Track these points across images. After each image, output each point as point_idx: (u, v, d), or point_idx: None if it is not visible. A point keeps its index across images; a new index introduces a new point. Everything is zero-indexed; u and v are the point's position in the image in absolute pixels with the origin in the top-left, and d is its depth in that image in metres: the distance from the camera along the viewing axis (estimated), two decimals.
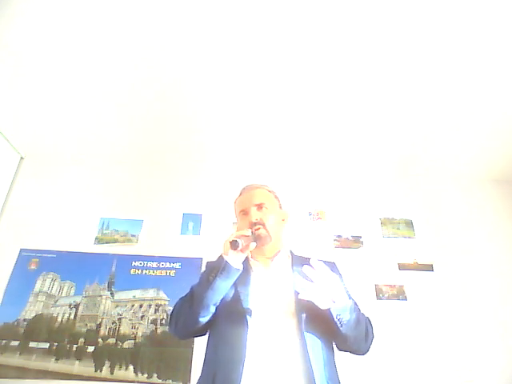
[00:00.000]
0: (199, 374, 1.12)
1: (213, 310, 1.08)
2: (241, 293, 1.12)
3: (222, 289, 1.05)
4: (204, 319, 1.09)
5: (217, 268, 1.05)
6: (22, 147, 2.63)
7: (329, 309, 0.98)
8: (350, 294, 1.24)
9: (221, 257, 1.07)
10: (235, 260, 1.05)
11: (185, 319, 1.11)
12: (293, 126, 2.39)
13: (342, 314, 1.00)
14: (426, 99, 2.12)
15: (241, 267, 1.07)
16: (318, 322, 1.02)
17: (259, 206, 1.25)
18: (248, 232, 1.07)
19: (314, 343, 1.01)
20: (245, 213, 1.26)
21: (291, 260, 1.26)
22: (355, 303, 1.09)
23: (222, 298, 1.08)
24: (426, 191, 2.79)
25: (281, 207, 1.36)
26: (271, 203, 1.29)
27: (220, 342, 1.09)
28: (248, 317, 1.06)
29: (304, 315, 1.03)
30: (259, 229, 1.19)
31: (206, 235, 2.48)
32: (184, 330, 1.15)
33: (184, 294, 1.15)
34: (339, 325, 1.00)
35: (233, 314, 1.08)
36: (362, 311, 1.13)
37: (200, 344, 1.92)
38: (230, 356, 1.01)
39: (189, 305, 1.09)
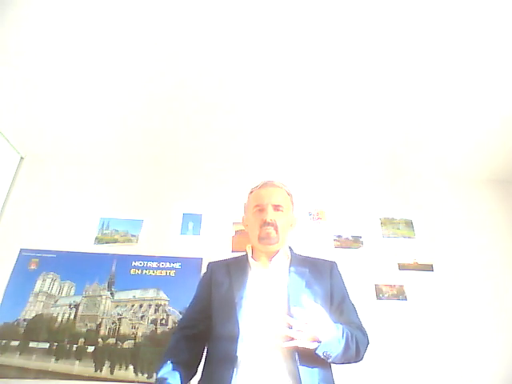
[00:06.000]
0: (198, 377, 1.13)
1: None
2: (236, 295, 1.12)
3: None
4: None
5: None
6: (22, 147, 2.63)
7: (315, 349, 0.99)
8: (348, 294, 1.25)
9: None
10: None
11: None
12: (293, 127, 2.39)
13: (329, 349, 1.00)
14: (427, 100, 2.11)
15: None
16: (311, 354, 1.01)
17: (276, 207, 1.25)
18: None
19: (310, 374, 1.01)
20: (260, 209, 1.26)
21: (290, 259, 1.26)
22: (344, 328, 1.07)
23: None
24: (427, 191, 2.78)
25: (293, 212, 1.37)
26: (287, 207, 1.30)
27: (214, 355, 1.10)
28: (240, 325, 1.06)
29: (297, 353, 1.01)
30: (270, 228, 1.21)
31: (206, 235, 2.48)
32: None
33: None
34: (326, 359, 1.01)
35: (226, 323, 1.09)
36: (354, 329, 1.12)
37: None
38: (221, 371, 1.02)
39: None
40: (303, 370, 0.99)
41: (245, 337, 1.04)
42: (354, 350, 1.07)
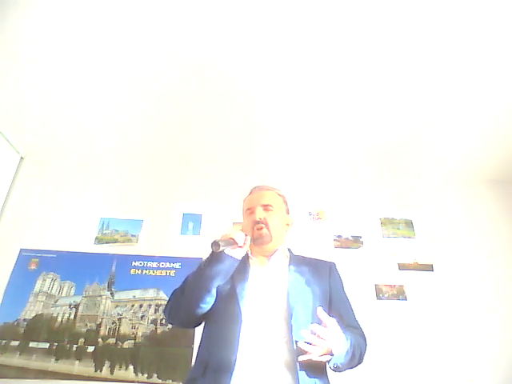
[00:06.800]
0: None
1: (210, 300, 1.11)
2: (237, 287, 1.13)
3: (215, 273, 1.07)
4: (205, 306, 1.11)
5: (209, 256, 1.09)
6: (22, 147, 2.63)
7: (326, 361, 1.00)
8: (347, 295, 1.26)
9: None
10: (230, 251, 1.07)
11: (185, 308, 1.13)
12: (293, 127, 2.39)
13: (339, 361, 1.01)
14: (427, 100, 2.12)
15: (235, 255, 1.09)
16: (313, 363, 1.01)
17: (265, 207, 1.27)
18: (238, 235, 1.08)
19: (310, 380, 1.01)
20: (251, 211, 1.29)
21: (289, 259, 1.27)
22: (352, 338, 1.06)
23: (217, 284, 1.09)
24: (426, 191, 2.78)
25: (288, 212, 1.38)
26: (278, 206, 1.32)
27: (214, 334, 1.10)
28: (242, 313, 1.07)
29: (298, 364, 1.01)
30: (261, 228, 1.22)
31: (205, 235, 2.48)
32: (185, 318, 1.18)
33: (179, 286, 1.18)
34: (334, 370, 1.03)
35: (228, 308, 1.10)
36: (357, 335, 1.12)
37: None
38: (222, 349, 1.03)
39: (184, 295, 1.12)
40: (303, 374, 0.99)
41: (244, 339, 1.03)
42: (358, 358, 1.09)
